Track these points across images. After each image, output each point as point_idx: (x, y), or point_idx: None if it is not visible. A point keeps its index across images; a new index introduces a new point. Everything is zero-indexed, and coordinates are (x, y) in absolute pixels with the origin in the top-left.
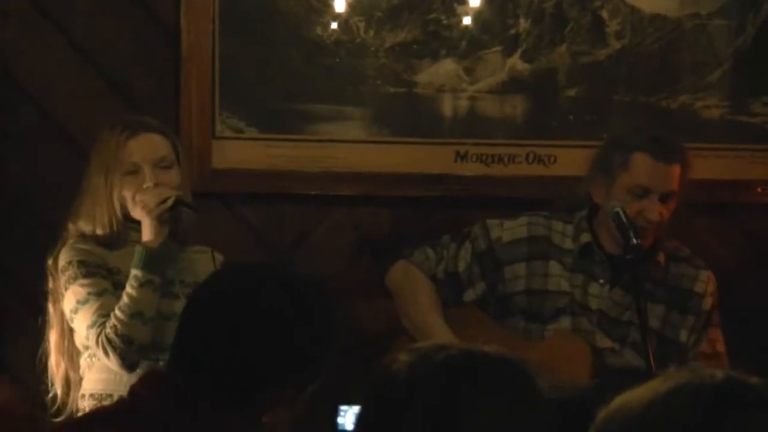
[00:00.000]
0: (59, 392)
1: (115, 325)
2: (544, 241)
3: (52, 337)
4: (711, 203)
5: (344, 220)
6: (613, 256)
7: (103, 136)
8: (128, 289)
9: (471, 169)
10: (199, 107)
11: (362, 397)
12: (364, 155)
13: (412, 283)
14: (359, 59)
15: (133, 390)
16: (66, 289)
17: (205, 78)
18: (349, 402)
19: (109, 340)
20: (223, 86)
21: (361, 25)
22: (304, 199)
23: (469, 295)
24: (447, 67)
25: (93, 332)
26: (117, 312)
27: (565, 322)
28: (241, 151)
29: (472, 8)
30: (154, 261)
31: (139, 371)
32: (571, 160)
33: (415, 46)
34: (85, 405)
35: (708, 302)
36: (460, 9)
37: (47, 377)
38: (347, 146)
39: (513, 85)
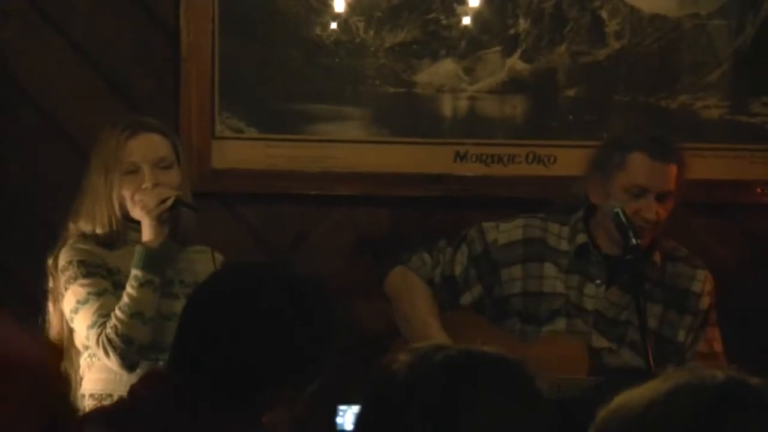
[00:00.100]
0: None
1: (115, 325)
2: (540, 243)
3: (52, 336)
4: (710, 203)
5: (344, 220)
6: (610, 257)
7: (104, 135)
8: (128, 289)
9: (471, 169)
10: (198, 107)
11: (362, 397)
12: (364, 155)
13: (410, 288)
14: (359, 59)
15: (133, 390)
16: (66, 289)
17: (205, 78)
18: (349, 402)
19: (109, 340)
20: (223, 86)
21: (361, 25)
22: (304, 199)
23: (466, 298)
24: (447, 67)
25: (93, 332)
26: (117, 312)
27: (561, 323)
28: (241, 151)
29: (472, 8)
30: (154, 261)
31: (139, 371)
32: (570, 160)
33: (414, 46)
34: (85, 405)
35: (705, 301)
36: (459, 9)
37: None
38: (347, 146)
39: (513, 85)
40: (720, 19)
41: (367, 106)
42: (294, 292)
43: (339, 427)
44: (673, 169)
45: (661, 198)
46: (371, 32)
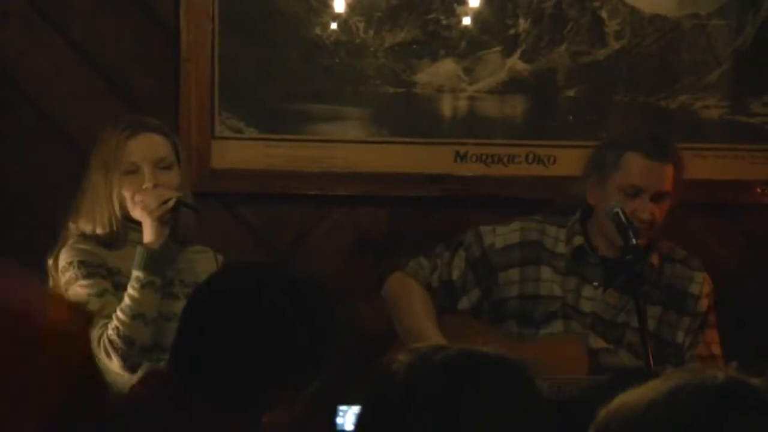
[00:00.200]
0: None
1: (117, 327)
2: (537, 245)
3: None
4: (710, 203)
5: (344, 220)
6: (607, 259)
7: (104, 135)
8: (130, 290)
9: (471, 169)
10: (198, 107)
11: (362, 398)
12: (364, 155)
13: (407, 293)
14: (359, 59)
15: (134, 390)
16: (66, 290)
17: (205, 78)
18: (349, 402)
19: (110, 342)
20: (223, 86)
21: (361, 25)
22: (304, 199)
23: (464, 303)
24: (446, 67)
25: (94, 334)
26: (119, 313)
27: (558, 326)
28: (241, 151)
29: (472, 8)
30: (156, 262)
31: (139, 372)
32: (570, 160)
33: (414, 46)
34: None
35: (704, 303)
36: (459, 9)
37: None
38: (347, 146)
39: (512, 85)
40: (720, 19)
41: (366, 106)
42: (294, 292)
43: (339, 427)
44: (670, 169)
45: (656, 198)
46: (371, 32)
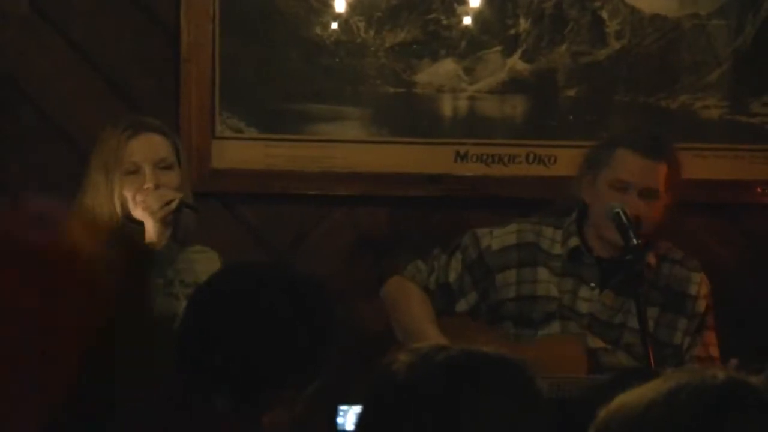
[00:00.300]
0: None
1: None
2: (533, 247)
3: None
4: (710, 203)
5: (344, 220)
6: (603, 259)
7: (104, 135)
8: None
9: (471, 169)
10: (198, 107)
11: (362, 398)
12: (364, 155)
13: (406, 295)
14: (359, 59)
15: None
16: None
17: (205, 78)
18: (349, 402)
19: None
20: (223, 86)
21: (361, 25)
22: (304, 199)
23: (462, 305)
24: (447, 67)
25: None
26: None
27: (555, 326)
28: (241, 151)
29: (472, 8)
30: (158, 263)
31: None
32: (571, 160)
33: (414, 46)
34: None
35: (702, 304)
36: (459, 9)
37: None
38: (347, 146)
39: (513, 85)
40: (720, 19)
41: (367, 106)
42: (294, 292)
43: (340, 427)
44: (662, 167)
45: (645, 195)
46: (371, 32)
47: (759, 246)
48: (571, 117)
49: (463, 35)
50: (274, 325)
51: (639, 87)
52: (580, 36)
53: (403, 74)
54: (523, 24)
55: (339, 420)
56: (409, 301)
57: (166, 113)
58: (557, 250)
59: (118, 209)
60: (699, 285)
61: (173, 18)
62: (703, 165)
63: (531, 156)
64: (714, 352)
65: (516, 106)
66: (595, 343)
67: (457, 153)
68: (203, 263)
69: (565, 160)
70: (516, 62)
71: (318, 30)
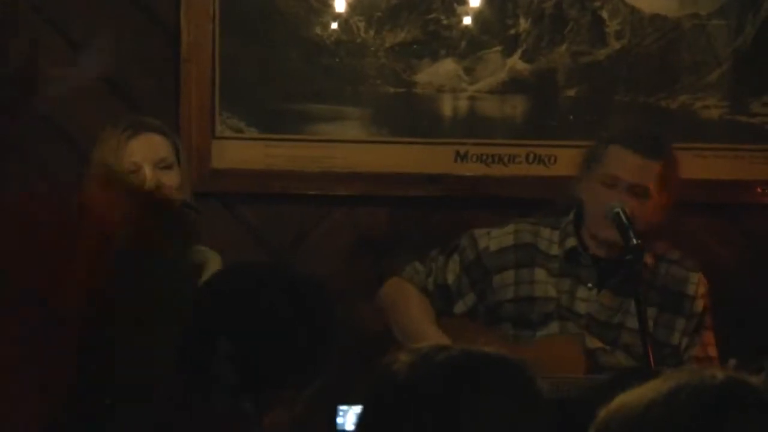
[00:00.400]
0: None
1: None
2: (531, 247)
3: None
4: (710, 203)
5: (344, 220)
6: (600, 259)
7: (104, 134)
8: None
9: (471, 169)
10: (198, 107)
11: (363, 398)
12: (364, 155)
13: (404, 296)
14: (359, 59)
15: None
16: None
17: (205, 78)
18: (349, 402)
19: None
20: (223, 86)
21: (361, 25)
22: (304, 199)
23: (460, 307)
24: (447, 67)
25: None
26: None
27: (554, 327)
28: (241, 151)
29: (472, 8)
30: None
31: None
32: (571, 160)
33: (414, 46)
34: None
35: (700, 304)
36: (460, 9)
37: None
38: (347, 146)
39: (513, 85)
40: (720, 19)
41: (367, 106)
42: (294, 292)
43: (339, 428)
44: (654, 166)
45: (636, 193)
46: (371, 32)
47: (759, 246)
48: (571, 117)
49: (463, 35)
50: (274, 325)
51: (639, 87)
52: (580, 36)
53: (403, 74)
54: (523, 24)
55: (339, 420)
56: (408, 303)
57: (166, 113)
58: (554, 250)
59: None
60: (697, 285)
61: (173, 18)
62: (703, 165)
63: (531, 156)
64: (712, 351)
65: (516, 106)
66: (593, 343)
67: (457, 153)
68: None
69: (565, 160)
70: (516, 62)
71: (318, 30)
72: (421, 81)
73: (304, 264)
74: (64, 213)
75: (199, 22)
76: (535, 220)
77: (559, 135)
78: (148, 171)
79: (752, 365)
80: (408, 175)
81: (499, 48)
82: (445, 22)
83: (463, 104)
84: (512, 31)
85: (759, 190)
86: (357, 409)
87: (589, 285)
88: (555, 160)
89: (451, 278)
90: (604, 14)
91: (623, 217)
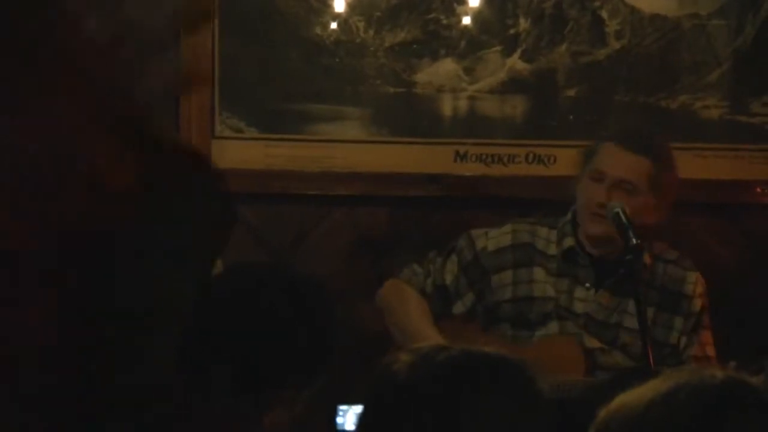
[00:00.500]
0: None
1: None
2: (529, 247)
3: None
4: (710, 203)
5: (343, 220)
6: (598, 259)
7: None
8: None
9: (471, 169)
10: (198, 107)
11: (363, 398)
12: (364, 155)
13: (402, 298)
14: (359, 59)
15: None
16: None
17: (205, 78)
18: (349, 402)
19: None
20: (223, 86)
21: (361, 25)
22: (304, 199)
23: (458, 307)
24: (446, 67)
25: None
26: None
27: (553, 327)
28: (241, 151)
29: (472, 8)
30: None
31: None
32: (571, 160)
33: (414, 46)
34: None
35: (697, 304)
36: (459, 9)
37: None
38: (346, 146)
39: (513, 85)
40: (720, 19)
41: (366, 106)
42: (294, 292)
43: (340, 427)
44: (643, 162)
45: (624, 189)
46: (371, 32)
47: (759, 246)
48: (571, 117)
49: (463, 35)
50: (274, 325)
51: (639, 87)
52: (579, 36)
53: (402, 74)
54: (523, 24)
55: (339, 420)
56: (406, 305)
57: (167, 113)
58: (552, 250)
59: None
60: (694, 284)
61: None
62: (703, 165)
63: (531, 156)
64: (710, 351)
65: (516, 106)
66: (592, 343)
67: (457, 153)
68: None
69: (565, 160)
70: (516, 62)
71: (318, 30)
72: (420, 81)
73: (304, 264)
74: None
75: None
76: (533, 219)
77: (559, 135)
78: None
79: (752, 365)
80: (408, 175)
81: (498, 48)
82: (444, 21)
83: (463, 104)
84: (512, 31)
85: (759, 190)
86: (357, 409)
87: (587, 285)
88: (555, 160)
89: (449, 279)
90: (604, 14)
91: (623, 217)
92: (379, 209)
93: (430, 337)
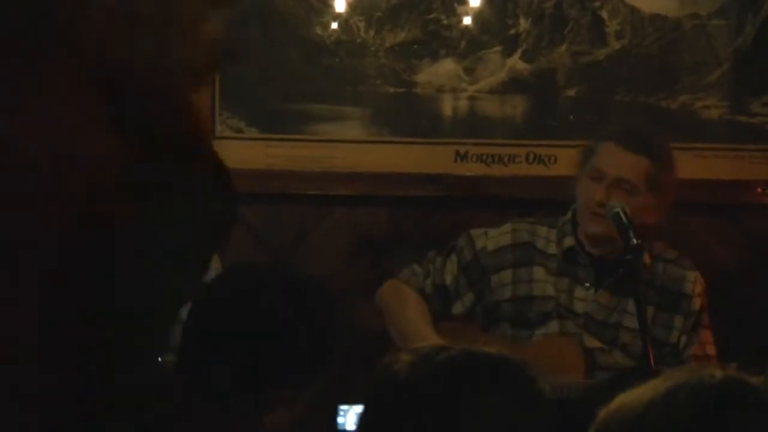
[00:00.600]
0: None
1: None
2: (528, 246)
3: None
4: (710, 203)
5: (343, 220)
6: (598, 259)
7: None
8: None
9: (471, 169)
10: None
11: (364, 397)
12: (364, 155)
13: (401, 299)
14: (359, 59)
15: None
16: None
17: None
18: (350, 402)
19: None
20: (223, 86)
21: (361, 25)
22: (304, 199)
23: (458, 307)
24: (447, 67)
25: None
26: None
27: (553, 326)
28: (241, 151)
29: (472, 8)
30: None
31: None
32: (571, 160)
33: (415, 46)
34: None
35: (697, 303)
36: (460, 9)
37: None
38: (347, 146)
39: (513, 85)
40: (720, 19)
41: (367, 106)
42: (294, 292)
43: (341, 427)
44: (642, 161)
45: (623, 188)
46: (371, 32)
47: (759, 246)
48: (571, 117)
49: (463, 35)
50: (274, 325)
51: (639, 87)
52: (580, 36)
53: (403, 74)
54: (523, 24)
55: (340, 420)
56: (405, 305)
57: None
58: (552, 249)
59: None
60: (693, 283)
61: None
62: (703, 165)
63: (531, 156)
64: (710, 350)
65: (516, 106)
66: (592, 343)
67: (457, 153)
68: None
69: (565, 160)
70: (516, 62)
71: (318, 30)
72: (421, 81)
73: (304, 264)
74: None
75: None
76: (533, 219)
77: (559, 135)
78: None
79: (752, 366)
80: (408, 175)
81: (499, 48)
82: (445, 22)
83: (463, 104)
84: (512, 31)
85: (759, 190)
86: (358, 408)
87: (587, 284)
88: (555, 160)
89: (449, 279)
90: (604, 14)
91: (623, 217)
92: (379, 209)
93: (428, 338)
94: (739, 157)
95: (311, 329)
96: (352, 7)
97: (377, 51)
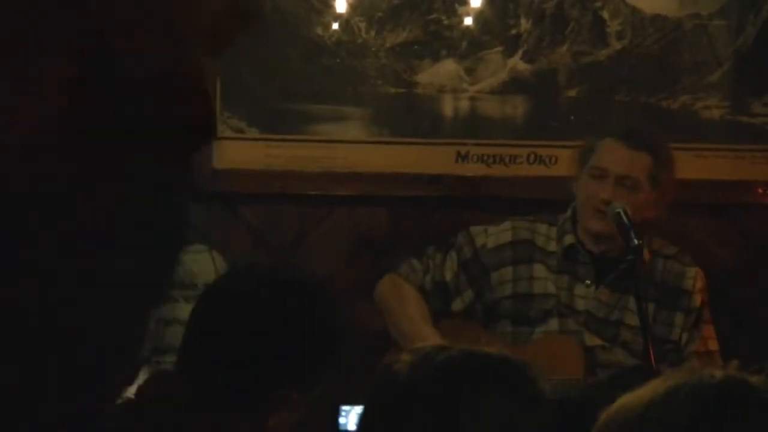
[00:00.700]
0: None
1: None
2: (528, 244)
3: None
4: (711, 203)
5: (344, 221)
6: (598, 256)
7: None
8: None
9: (472, 169)
10: None
11: (364, 398)
12: (364, 155)
13: (401, 295)
14: (360, 59)
15: (138, 391)
16: None
17: None
18: (351, 402)
19: None
20: (224, 86)
21: (362, 25)
22: (304, 199)
23: (458, 304)
24: (448, 68)
25: None
26: None
27: (553, 324)
28: (242, 151)
29: (473, 8)
30: None
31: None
32: (572, 160)
33: (415, 47)
34: None
35: (697, 299)
36: (461, 9)
37: None
38: (347, 146)
39: (514, 85)
40: (721, 20)
41: (367, 106)
42: (297, 293)
43: (342, 428)
44: (643, 157)
45: (626, 185)
46: (372, 32)
47: (758, 246)
48: (572, 117)
49: (464, 35)
50: (276, 325)
51: (640, 87)
52: (581, 36)
53: (403, 74)
54: (524, 24)
55: (341, 420)
56: (405, 303)
57: None
58: (552, 247)
59: None
60: (694, 279)
61: None
62: (704, 165)
63: (532, 156)
64: (713, 345)
65: (517, 107)
66: (592, 340)
67: (458, 153)
68: (201, 263)
69: (566, 160)
70: (517, 62)
71: (319, 30)
72: (421, 81)
73: (304, 264)
74: None
75: None
76: (534, 217)
77: (560, 135)
78: None
79: (752, 365)
80: (408, 175)
81: (500, 48)
82: (446, 22)
83: (464, 104)
84: (513, 32)
85: (759, 190)
86: (359, 409)
87: (587, 282)
88: (556, 161)
89: (449, 276)
90: (605, 14)
91: (624, 217)
92: (379, 209)
93: (428, 337)
94: (739, 157)
95: (312, 329)
96: (352, 8)
97: (378, 51)
